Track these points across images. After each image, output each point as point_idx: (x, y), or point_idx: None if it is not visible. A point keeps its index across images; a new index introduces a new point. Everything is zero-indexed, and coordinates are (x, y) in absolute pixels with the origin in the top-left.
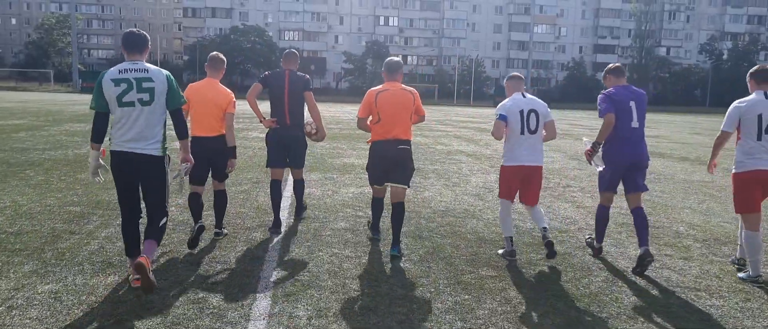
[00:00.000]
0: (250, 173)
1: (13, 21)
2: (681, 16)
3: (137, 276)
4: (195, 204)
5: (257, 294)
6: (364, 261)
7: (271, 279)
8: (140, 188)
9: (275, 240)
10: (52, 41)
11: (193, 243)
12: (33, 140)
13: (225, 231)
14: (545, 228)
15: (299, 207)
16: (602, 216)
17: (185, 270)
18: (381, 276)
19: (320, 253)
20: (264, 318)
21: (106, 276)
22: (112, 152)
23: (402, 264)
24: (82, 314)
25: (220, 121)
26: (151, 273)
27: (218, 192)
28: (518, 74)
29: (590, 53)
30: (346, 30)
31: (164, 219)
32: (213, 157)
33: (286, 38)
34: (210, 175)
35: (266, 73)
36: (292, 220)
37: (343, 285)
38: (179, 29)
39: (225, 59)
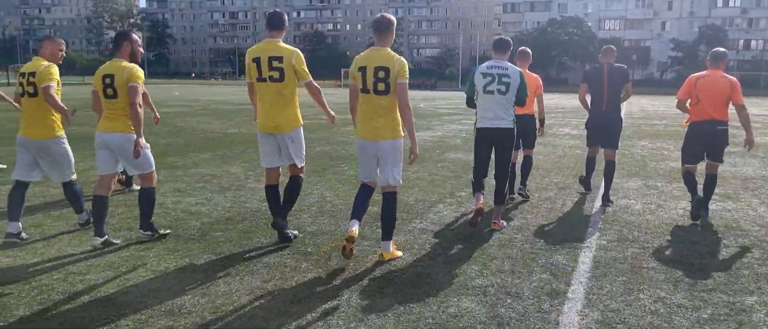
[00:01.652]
0: (556, 177)
1: (359, 26)
2: None
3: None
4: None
5: None
6: (703, 316)
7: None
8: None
9: (581, 263)
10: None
11: None
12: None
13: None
14: None
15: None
16: None
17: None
18: None
19: (640, 296)
20: None
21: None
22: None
23: None
24: None
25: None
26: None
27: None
28: None
29: None
30: (674, 15)
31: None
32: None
33: (606, 28)
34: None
35: (586, 68)
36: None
37: None
38: (498, 25)
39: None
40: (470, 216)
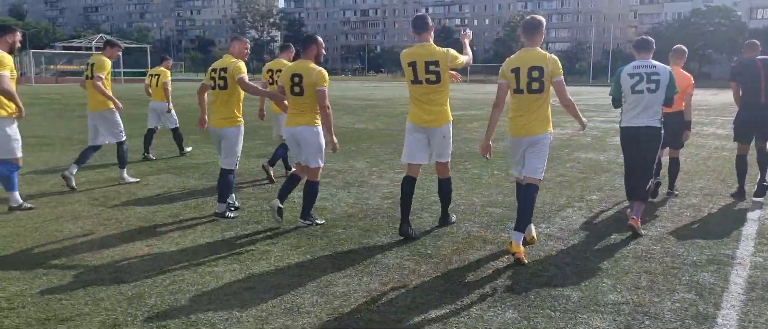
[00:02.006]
0: (700, 181)
1: (486, 21)
2: None
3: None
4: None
5: None
6: None
7: None
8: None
9: (733, 283)
10: (516, 38)
11: None
12: (481, 130)
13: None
14: None
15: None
16: None
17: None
18: None
19: None
20: None
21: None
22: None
23: None
24: None
25: None
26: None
27: None
28: None
29: None
30: None
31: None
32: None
33: (759, 17)
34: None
35: (733, 64)
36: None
37: None
38: (634, 17)
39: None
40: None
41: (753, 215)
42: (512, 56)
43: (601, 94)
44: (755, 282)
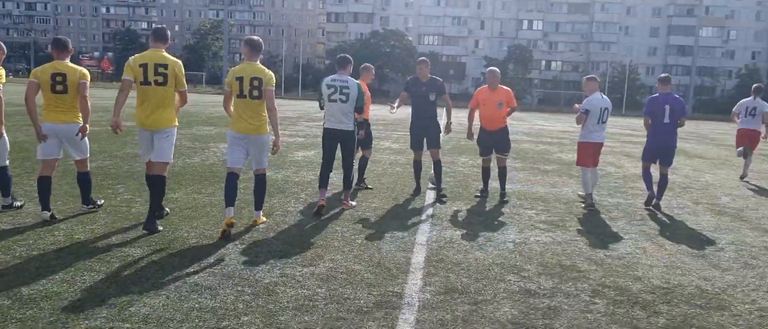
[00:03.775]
0: (374, 201)
1: (176, 27)
2: None
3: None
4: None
5: None
6: None
7: None
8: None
9: None
10: (207, 45)
11: None
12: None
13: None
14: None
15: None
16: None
17: None
18: None
19: None
20: None
21: None
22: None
23: None
24: None
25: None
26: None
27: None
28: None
29: (765, 59)
30: (486, 34)
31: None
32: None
33: (426, 43)
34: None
35: (408, 79)
36: None
37: None
38: (323, 34)
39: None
40: (316, 208)
41: (421, 238)
42: (236, 67)
43: (294, 106)
44: None
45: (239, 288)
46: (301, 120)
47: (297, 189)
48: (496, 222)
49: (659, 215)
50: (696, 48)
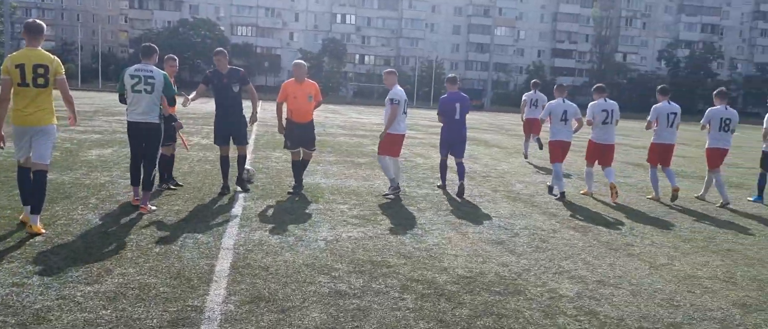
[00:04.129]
0: (177, 203)
1: None
2: (637, 23)
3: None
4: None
5: None
6: None
7: None
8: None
9: None
10: None
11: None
12: None
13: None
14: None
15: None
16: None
17: None
18: None
19: None
20: None
21: None
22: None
23: None
24: None
25: None
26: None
27: None
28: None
29: (549, 57)
30: (301, 27)
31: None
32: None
33: (240, 34)
34: None
35: (208, 72)
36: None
37: None
38: (125, 21)
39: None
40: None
41: (228, 242)
42: (15, 53)
43: (92, 98)
44: None
45: (1, 319)
46: (99, 114)
47: (86, 193)
48: (308, 220)
49: (462, 203)
50: (492, 46)
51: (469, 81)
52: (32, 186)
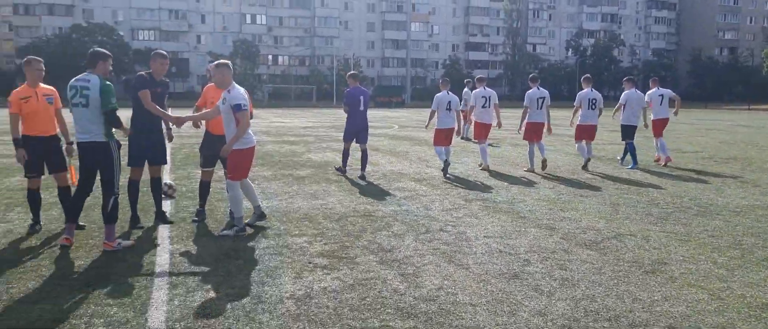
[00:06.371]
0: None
1: None
2: (544, 15)
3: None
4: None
5: None
6: None
7: None
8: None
9: None
10: None
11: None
12: None
13: None
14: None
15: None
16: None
17: None
18: None
19: None
20: None
21: None
22: None
23: None
24: None
25: None
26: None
27: None
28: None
29: (462, 50)
30: (209, 29)
31: None
32: None
33: (141, 38)
34: None
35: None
36: None
37: None
38: (10, 29)
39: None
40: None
41: (156, 320)
42: None
43: None
44: None
45: None
46: None
47: None
48: (262, 267)
49: (440, 220)
50: (409, 42)
51: (387, 78)
52: None
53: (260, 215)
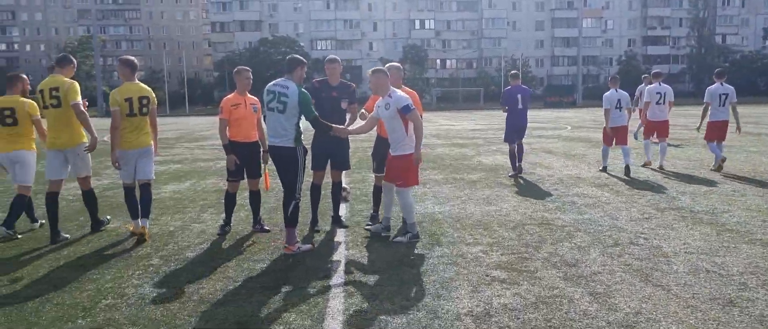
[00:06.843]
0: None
1: (42, 47)
2: (736, 1)
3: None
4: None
5: None
6: None
7: None
8: None
9: None
10: (77, 65)
11: None
12: None
13: None
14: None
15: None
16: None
17: None
18: None
19: None
20: None
21: None
22: None
23: None
24: None
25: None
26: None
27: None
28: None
29: (640, 45)
30: (380, 36)
31: None
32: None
33: (319, 48)
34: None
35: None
36: None
37: None
38: (209, 45)
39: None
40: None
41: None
42: (120, 88)
43: (178, 124)
44: None
45: None
46: (182, 141)
47: (148, 249)
48: (437, 278)
49: (626, 229)
50: (580, 39)
51: (557, 77)
52: (140, 197)
53: (386, 227)
